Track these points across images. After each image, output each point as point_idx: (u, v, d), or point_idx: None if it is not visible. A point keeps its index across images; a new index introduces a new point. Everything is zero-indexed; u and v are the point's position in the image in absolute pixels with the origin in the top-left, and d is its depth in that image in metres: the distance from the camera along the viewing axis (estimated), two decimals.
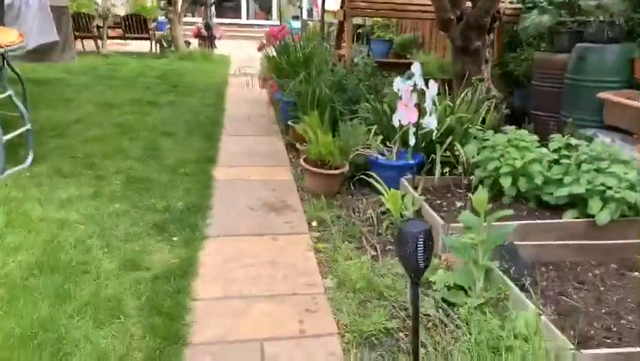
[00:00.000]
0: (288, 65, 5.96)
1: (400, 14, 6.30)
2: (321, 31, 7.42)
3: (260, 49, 6.90)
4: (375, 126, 4.51)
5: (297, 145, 4.89)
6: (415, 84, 3.84)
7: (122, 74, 9.30)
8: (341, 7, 7.15)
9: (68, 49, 8.05)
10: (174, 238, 3.39)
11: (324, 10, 7.35)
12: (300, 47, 6.07)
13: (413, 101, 3.72)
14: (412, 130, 3.82)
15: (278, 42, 6.72)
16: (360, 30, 14.03)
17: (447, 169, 4.12)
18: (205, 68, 10.77)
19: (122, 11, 17.53)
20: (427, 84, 3.92)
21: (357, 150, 4.27)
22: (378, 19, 13.44)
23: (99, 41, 11.80)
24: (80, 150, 4.99)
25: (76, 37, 12.63)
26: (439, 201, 3.81)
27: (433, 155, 4.14)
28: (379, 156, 4.29)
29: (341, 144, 4.27)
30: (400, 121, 3.94)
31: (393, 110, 4.61)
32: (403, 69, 6.93)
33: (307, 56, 6.01)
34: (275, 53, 6.38)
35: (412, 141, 3.85)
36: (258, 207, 3.99)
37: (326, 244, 3.40)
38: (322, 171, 4.13)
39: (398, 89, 3.93)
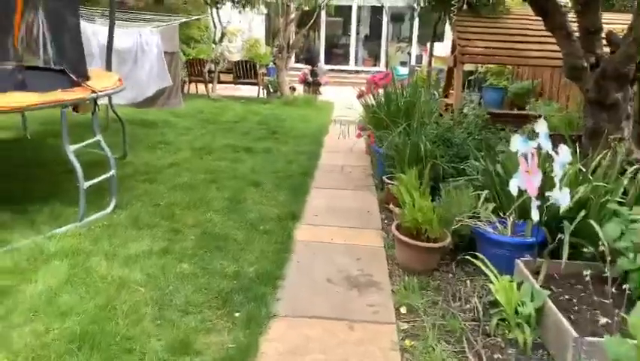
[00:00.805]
0: (388, 114, 5.43)
1: (519, 60, 5.55)
2: (427, 78, 6.83)
3: (359, 96, 6.48)
4: (485, 191, 3.78)
5: (391, 207, 4.27)
6: (539, 146, 3.09)
7: (225, 118, 9.41)
8: (451, 52, 6.55)
9: (175, 94, 8.26)
10: (236, 314, 2.92)
11: (431, 56, 6.78)
12: (401, 95, 5.52)
13: (536, 167, 2.97)
14: (535, 204, 3.05)
15: (379, 90, 6.26)
16: (471, 77, 13.27)
17: (572, 251, 3.26)
18: (307, 114, 10.62)
19: (237, 57, 18.45)
20: (554, 146, 3.16)
21: (462, 219, 3.56)
22: (491, 65, 12.60)
23: (209, 85, 12.25)
24: (164, 198, 4.82)
25: (190, 81, 13.34)
26: (567, 297, 2.96)
27: (559, 233, 3.31)
28: (490, 229, 3.54)
29: (442, 211, 3.59)
30: (518, 188, 3.20)
31: (509, 173, 3.86)
32: (520, 122, 6.12)
33: (409, 105, 5.44)
34: (374, 101, 5.90)
35: (534, 216, 3.07)
36: (338, 280, 3.42)
37: (416, 341, 2.72)
38: (417, 243, 3.47)
39: (517, 150, 3.20)
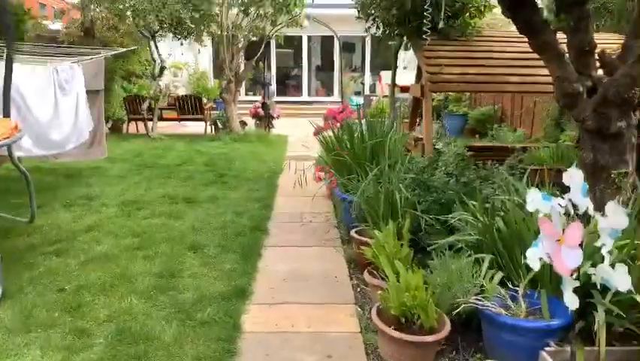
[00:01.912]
0: (352, 155, 4.58)
1: (498, 87, 4.86)
2: (391, 110, 6.06)
3: (316, 133, 5.62)
4: (488, 257, 2.92)
5: (366, 277, 3.35)
6: (571, 204, 2.26)
7: (166, 161, 8.35)
8: (417, 81, 5.81)
9: (97, 143, 7.12)
10: None
11: (394, 85, 6.04)
12: (367, 132, 4.69)
13: (575, 237, 2.11)
14: (571, 285, 2.19)
15: (338, 125, 5.42)
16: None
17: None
18: (259, 151, 9.70)
19: (182, 92, 17.41)
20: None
21: (466, 300, 2.68)
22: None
23: (149, 124, 11.15)
24: (72, 279, 3.73)
25: (129, 120, 12.20)
26: None
27: (593, 311, 2.48)
28: (501, 310, 2.67)
29: (438, 290, 2.70)
30: (539, 260, 2.35)
31: (512, 230, 3.04)
32: (500, 155, 5.41)
33: (375, 144, 4.61)
34: (334, 139, 5.04)
35: (570, 303, 2.20)
36: None
37: None
38: (408, 337, 2.55)
39: (536, 209, 2.36)
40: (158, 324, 3.09)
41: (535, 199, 2.33)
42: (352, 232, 4.12)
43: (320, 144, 5.27)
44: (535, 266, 2.32)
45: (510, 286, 2.87)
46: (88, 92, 6.73)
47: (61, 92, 5.89)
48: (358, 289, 3.76)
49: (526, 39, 4.54)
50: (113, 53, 7.20)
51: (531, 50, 4.87)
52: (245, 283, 3.72)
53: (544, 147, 5.01)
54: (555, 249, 2.17)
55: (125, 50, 8.16)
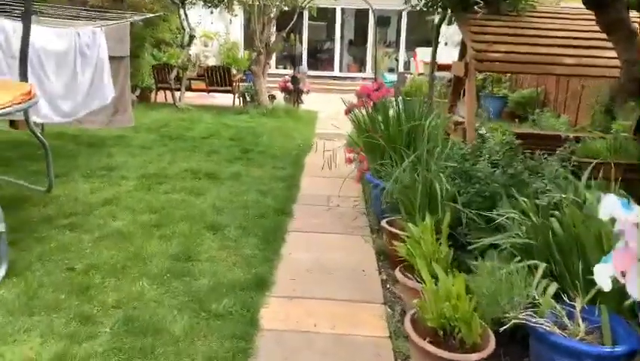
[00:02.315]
0: (387, 137, 4.21)
1: (549, 69, 4.38)
2: (430, 90, 5.62)
3: (348, 111, 5.26)
4: (542, 265, 2.56)
5: (398, 275, 3.03)
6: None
7: (192, 134, 8.11)
8: (460, 58, 5.36)
9: (123, 110, 6.92)
10: None
11: (434, 62, 5.57)
12: (401, 113, 4.31)
13: None
14: None
15: (372, 104, 5.04)
16: None
17: None
18: (287, 127, 9.38)
19: (212, 62, 17.12)
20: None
21: (511, 312, 2.33)
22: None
23: (177, 94, 10.91)
24: (84, 256, 3.52)
25: (158, 89, 11.99)
26: None
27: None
28: (555, 329, 2.31)
29: (484, 302, 2.36)
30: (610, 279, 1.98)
31: (570, 234, 2.67)
32: (549, 144, 4.96)
33: (413, 127, 4.23)
34: (368, 119, 4.67)
35: None
36: None
37: None
38: (447, 355, 2.23)
39: (611, 218, 1.98)
40: (169, 314, 2.85)
41: (611, 205, 1.95)
42: (383, 222, 3.78)
43: (352, 123, 4.90)
44: (606, 286, 1.95)
45: (565, 298, 2.51)
46: (112, 58, 6.50)
47: (81, 58, 5.65)
48: (387, 286, 3.45)
49: (584, 17, 4.06)
50: (139, 18, 6.91)
51: (589, 30, 4.39)
52: (265, 272, 3.45)
53: (599, 137, 4.54)
54: (631, 266, 1.80)
55: (151, 15, 7.87)
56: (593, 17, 3.75)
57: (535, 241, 2.80)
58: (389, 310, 3.12)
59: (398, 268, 3.11)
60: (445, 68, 14.79)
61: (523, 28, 4.61)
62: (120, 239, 3.83)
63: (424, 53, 16.42)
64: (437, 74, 13.23)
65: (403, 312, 3.04)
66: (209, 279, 3.31)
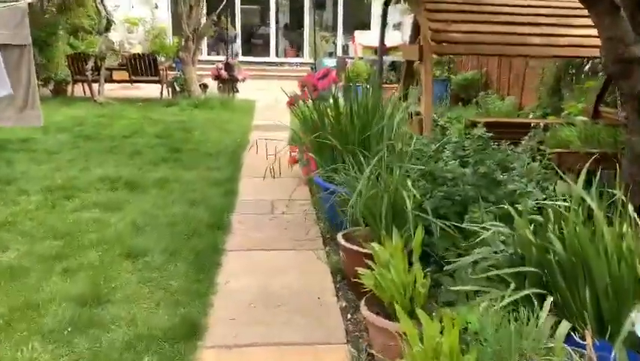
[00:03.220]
0: (339, 136, 3.59)
1: (517, 50, 3.91)
2: (379, 76, 5.00)
3: (290, 104, 4.60)
4: (549, 299, 2.03)
5: (364, 312, 2.43)
6: None
7: (112, 132, 7.15)
8: (412, 41, 4.80)
9: (31, 106, 5.91)
10: None
11: (382, 45, 4.96)
12: (353, 107, 3.69)
13: None
14: None
15: (317, 94, 4.41)
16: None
17: None
18: (222, 119, 8.57)
19: (139, 50, 15.82)
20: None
21: None
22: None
23: (95, 86, 9.76)
24: None
25: (74, 82, 10.77)
26: None
27: None
28: None
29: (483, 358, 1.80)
30: None
31: (579, 257, 2.16)
32: (515, 133, 4.53)
33: (366, 121, 3.64)
34: (315, 114, 4.03)
35: None
36: None
37: None
38: None
39: None
40: None
41: None
42: (339, 237, 3.17)
43: (296, 117, 4.24)
44: None
45: (572, 332, 2.01)
46: (6, 47, 5.49)
47: None
48: (348, 317, 2.86)
49: None
50: None
51: (557, 6, 3.94)
52: (197, 312, 2.75)
53: (567, 123, 4.13)
54: None
55: None
56: None
57: (528, 263, 2.28)
58: (353, 350, 2.53)
59: (363, 300, 2.51)
60: (387, 50, 14.36)
61: (482, 4, 4.10)
62: (8, 279, 3.00)
63: (362, 37, 15.96)
64: (376, 57, 12.82)
65: (370, 356, 2.46)
66: (124, 329, 2.58)
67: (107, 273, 3.14)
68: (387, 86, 9.77)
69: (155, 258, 3.36)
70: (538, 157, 3.71)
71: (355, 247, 2.99)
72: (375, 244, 2.59)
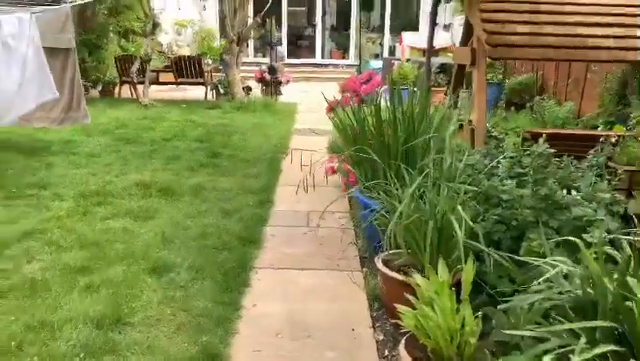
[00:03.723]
0: (380, 148, 3.28)
1: (586, 54, 3.47)
2: (426, 80, 4.61)
3: (330, 109, 4.33)
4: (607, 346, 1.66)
5: (403, 354, 2.12)
6: None
7: (152, 135, 7.10)
8: (463, 43, 4.43)
9: (76, 106, 5.95)
10: None
11: (431, 47, 4.58)
12: (399, 118, 3.36)
13: None
14: None
15: (360, 101, 4.12)
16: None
17: None
18: (263, 123, 8.40)
19: (187, 52, 15.97)
20: None
21: None
22: None
23: (140, 88, 9.80)
24: None
25: (122, 83, 10.89)
26: None
27: None
28: None
29: None
30: None
31: None
32: (579, 145, 4.08)
33: (412, 134, 3.31)
34: (354, 122, 3.73)
35: None
36: None
37: None
38: None
39: None
40: None
41: None
42: (378, 262, 2.87)
43: (335, 128, 3.95)
44: None
45: None
46: (53, 50, 5.49)
47: (4, 50, 4.62)
48: (386, 352, 2.56)
49: None
50: (78, 2, 5.84)
51: (627, 3, 3.49)
52: (219, 342, 2.52)
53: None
54: None
55: None
56: None
57: (602, 314, 1.91)
58: None
59: (403, 341, 2.20)
60: (436, 52, 13.86)
61: (542, 3, 3.69)
62: (28, 294, 2.87)
63: (410, 38, 15.49)
64: (424, 59, 12.36)
65: None
66: (138, 357, 2.38)
67: (130, 290, 2.96)
68: (435, 89, 9.36)
69: (181, 274, 3.17)
70: (607, 175, 3.29)
71: (395, 275, 2.68)
72: (417, 277, 2.28)
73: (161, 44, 16.80)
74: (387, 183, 3.04)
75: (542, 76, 10.29)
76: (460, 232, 2.36)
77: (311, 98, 11.54)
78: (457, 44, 15.16)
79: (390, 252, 2.94)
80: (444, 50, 12.25)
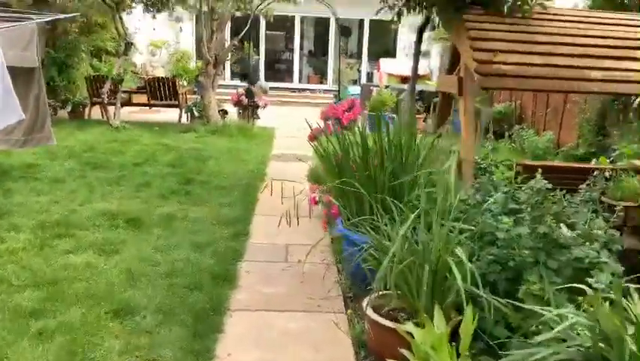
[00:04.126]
0: (365, 178, 3.08)
1: (576, 85, 3.35)
2: (411, 106, 4.41)
3: (312, 138, 4.12)
4: None
5: None
6: None
7: (123, 159, 6.76)
8: (449, 71, 4.31)
9: (40, 128, 5.61)
10: None
11: (416, 73, 4.39)
12: (385, 148, 3.17)
13: None
14: None
15: (342, 127, 3.93)
16: (435, 98, 11.23)
17: None
18: (239, 148, 8.14)
19: (161, 73, 15.69)
20: None
21: None
22: None
23: (111, 109, 9.43)
24: None
25: (92, 104, 10.51)
26: None
27: None
28: None
29: None
30: None
31: None
32: (569, 178, 3.96)
33: (400, 161, 3.12)
34: (338, 150, 3.53)
35: None
36: None
37: None
38: None
39: None
40: None
41: None
42: (366, 307, 2.62)
43: (317, 157, 3.73)
44: None
45: None
46: (16, 68, 5.17)
47: None
48: None
49: (606, 20, 3.11)
50: (48, 19, 5.55)
51: (617, 36, 3.42)
52: None
53: (634, 170, 3.54)
54: None
55: (63, 16, 6.48)
56: (619, 21, 2.79)
57: None
58: None
59: None
60: (408, 79, 13.88)
61: (534, 33, 3.59)
62: None
63: (388, 64, 15.57)
64: (404, 86, 12.36)
65: None
66: None
67: (89, 337, 2.65)
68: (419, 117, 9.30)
69: (148, 318, 2.86)
70: (601, 211, 3.15)
71: (385, 322, 2.44)
72: (412, 327, 2.05)
73: (135, 65, 16.51)
74: (373, 219, 2.82)
75: (520, 105, 10.36)
76: (459, 277, 2.14)
77: (289, 122, 11.36)
78: (435, 72, 15.25)
79: (380, 294, 2.71)
80: (421, 77, 12.29)
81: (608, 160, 5.48)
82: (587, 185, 3.50)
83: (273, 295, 3.30)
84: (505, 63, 3.36)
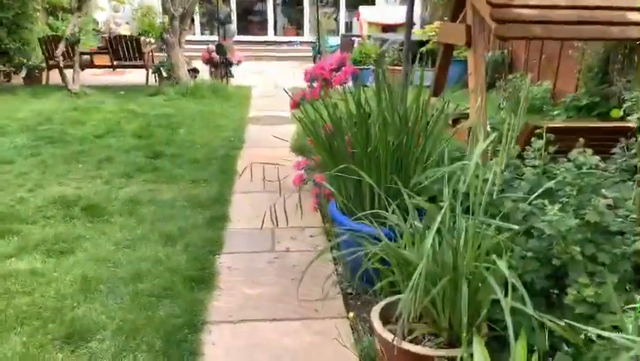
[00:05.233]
0: (364, 157, 2.51)
1: (608, 32, 2.79)
2: (405, 63, 3.77)
3: (295, 105, 3.50)
4: None
5: None
6: None
7: (83, 130, 6.04)
8: (453, 18, 3.67)
9: None
10: None
11: (411, 22, 3.72)
12: (388, 116, 2.58)
13: None
14: None
15: (331, 90, 3.32)
16: (422, 48, 10.55)
17: None
18: (213, 111, 7.45)
19: (125, 31, 14.58)
20: None
21: None
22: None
23: (69, 74, 8.55)
24: None
25: (49, 68, 9.58)
26: None
27: None
28: None
29: None
30: None
31: None
32: (594, 140, 3.41)
33: (405, 133, 2.55)
34: (328, 120, 2.93)
35: None
36: None
37: None
38: None
39: None
40: None
41: None
42: (375, 322, 2.11)
43: (304, 130, 3.12)
44: None
45: None
46: None
47: None
48: None
49: None
50: None
51: None
52: None
53: None
54: None
55: None
56: None
57: None
58: None
59: None
60: (389, 28, 13.09)
61: None
62: None
63: (368, 12, 14.66)
64: (387, 36, 11.59)
65: None
66: None
67: None
68: (396, 68, 8.65)
69: (106, 344, 2.32)
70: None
71: (406, 346, 1.93)
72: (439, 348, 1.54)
73: (97, 22, 15.33)
74: (372, 204, 2.27)
75: (511, 52, 9.76)
76: (501, 294, 1.63)
77: (266, 79, 10.62)
78: (419, 19, 14.37)
79: (388, 300, 2.21)
80: (401, 25, 11.52)
81: (620, 112, 4.98)
82: (621, 149, 3.00)
83: (261, 297, 2.78)
84: (525, 6, 2.75)
